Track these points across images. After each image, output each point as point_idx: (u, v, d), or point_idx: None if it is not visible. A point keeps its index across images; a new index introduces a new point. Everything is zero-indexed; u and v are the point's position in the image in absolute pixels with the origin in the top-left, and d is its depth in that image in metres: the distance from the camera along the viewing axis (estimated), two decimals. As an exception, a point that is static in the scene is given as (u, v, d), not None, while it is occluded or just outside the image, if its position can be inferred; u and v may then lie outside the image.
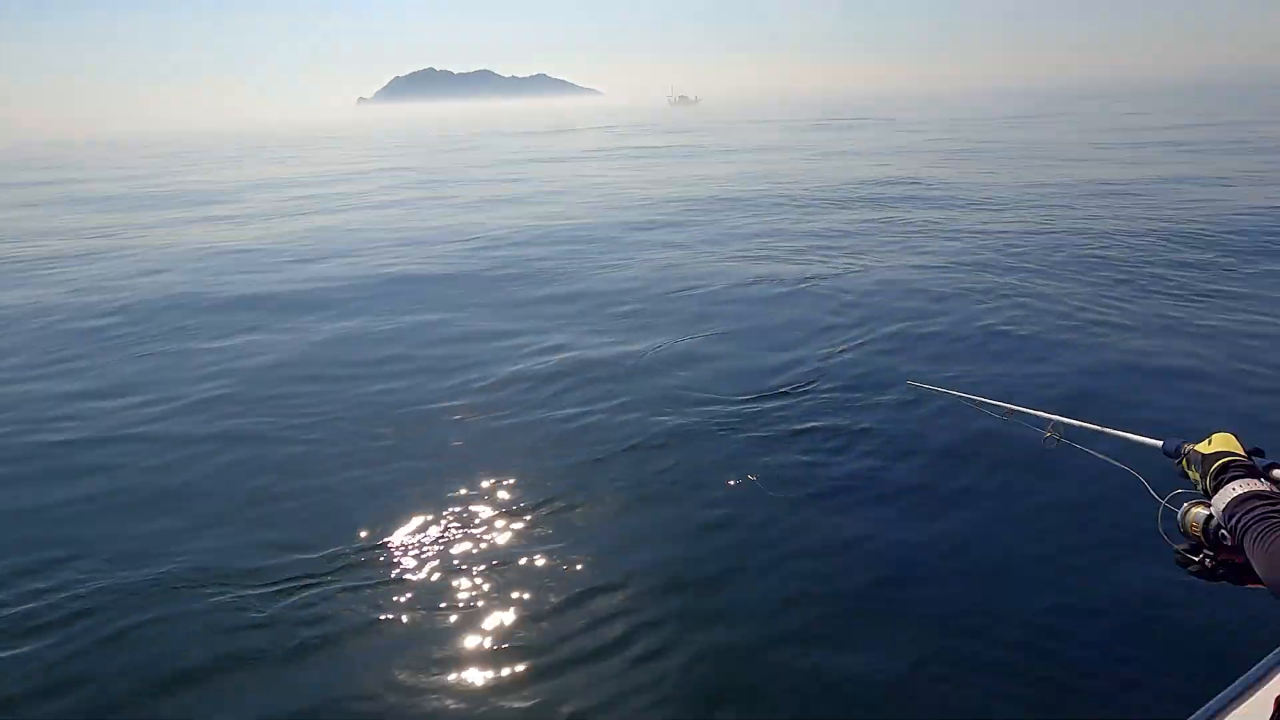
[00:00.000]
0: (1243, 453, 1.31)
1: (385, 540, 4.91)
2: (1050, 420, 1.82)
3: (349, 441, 6.43)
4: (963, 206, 17.45)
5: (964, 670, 3.67)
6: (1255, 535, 1.09)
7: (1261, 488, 1.19)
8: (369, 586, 4.46)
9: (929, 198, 19.18)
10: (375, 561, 4.71)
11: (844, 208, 18.10)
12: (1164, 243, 12.63)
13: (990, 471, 5.47)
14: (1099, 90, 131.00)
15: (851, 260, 12.49)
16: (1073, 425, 1.76)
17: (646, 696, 3.56)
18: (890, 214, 16.78)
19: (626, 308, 10.32)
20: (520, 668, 3.79)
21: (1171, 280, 10.46)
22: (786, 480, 5.44)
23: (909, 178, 22.88)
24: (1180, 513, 1.36)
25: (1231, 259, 11.43)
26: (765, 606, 4.17)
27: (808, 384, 7.21)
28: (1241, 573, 1.23)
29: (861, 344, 8.42)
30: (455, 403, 7.17)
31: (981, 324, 8.97)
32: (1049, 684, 3.59)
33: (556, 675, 3.71)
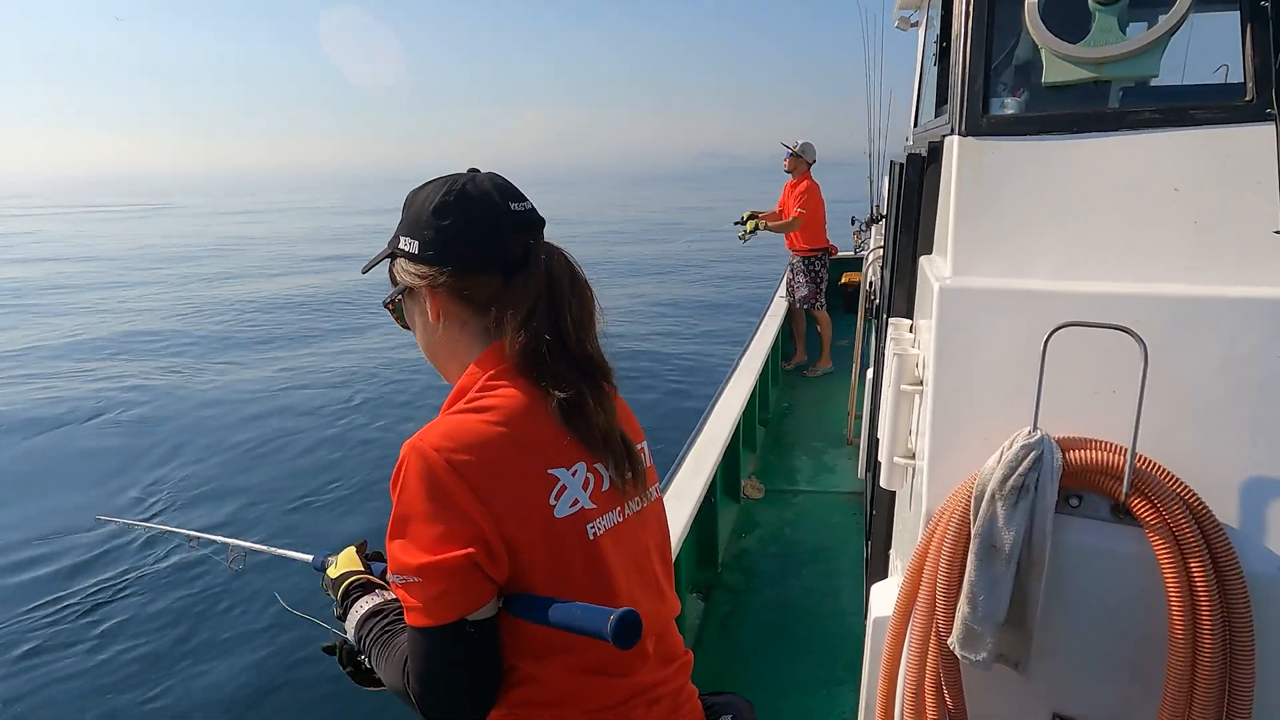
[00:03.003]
0: (362, 566, 1.35)
1: None
2: (229, 544, 1.87)
3: None
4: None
5: None
6: (376, 655, 1.17)
7: (376, 600, 1.26)
8: None
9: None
10: None
11: None
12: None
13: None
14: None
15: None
16: (246, 547, 1.83)
17: None
18: None
19: None
20: None
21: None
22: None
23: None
24: (338, 655, 1.35)
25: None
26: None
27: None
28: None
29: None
30: None
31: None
32: None
33: None
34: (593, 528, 1.08)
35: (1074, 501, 1.40)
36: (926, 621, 1.48)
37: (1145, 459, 1.33)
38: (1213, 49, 1.75)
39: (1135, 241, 1.58)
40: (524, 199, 1.19)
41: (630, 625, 0.93)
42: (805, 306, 7.29)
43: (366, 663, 1.23)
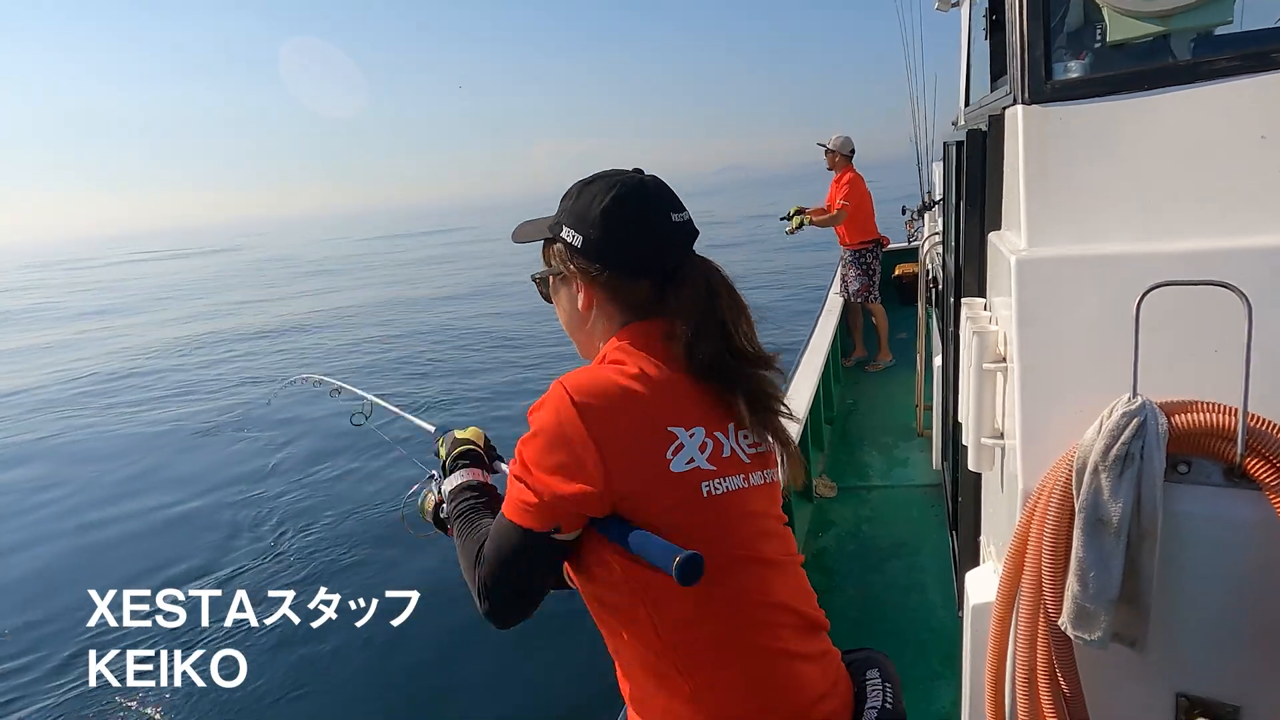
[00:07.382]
0: (482, 445, 1.49)
1: None
2: (366, 399, 2.15)
3: None
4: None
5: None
6: (459, 529, 1.30)
7: (478, 478, 1.40)
8: None
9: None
10: None
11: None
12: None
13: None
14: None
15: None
16: (381, 405, 2.10)
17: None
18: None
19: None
20: None
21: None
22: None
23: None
24: (420, 497, 1.49)
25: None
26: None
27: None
28: None
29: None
30: None
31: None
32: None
33: None
34: (708, 486, 1.15)
35: (1182, 468, 1.34)
36: (1034, 603, 1.43)
37: (1258, 417, 1.27)
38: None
39: (1221, 196, 1.52)
40: (683, 209, 1.26)
41: (692, 564, 1.01)
42: (859, 300, 7.20)
43: (445, 518, 1.38)
